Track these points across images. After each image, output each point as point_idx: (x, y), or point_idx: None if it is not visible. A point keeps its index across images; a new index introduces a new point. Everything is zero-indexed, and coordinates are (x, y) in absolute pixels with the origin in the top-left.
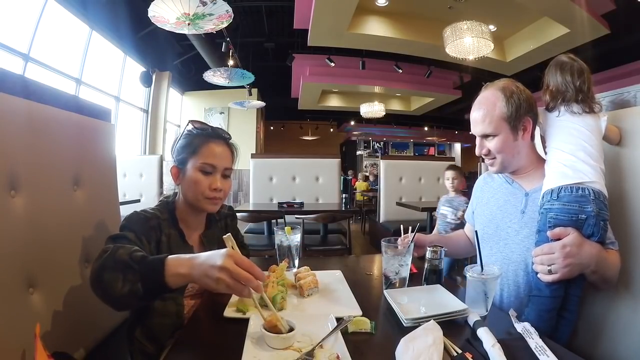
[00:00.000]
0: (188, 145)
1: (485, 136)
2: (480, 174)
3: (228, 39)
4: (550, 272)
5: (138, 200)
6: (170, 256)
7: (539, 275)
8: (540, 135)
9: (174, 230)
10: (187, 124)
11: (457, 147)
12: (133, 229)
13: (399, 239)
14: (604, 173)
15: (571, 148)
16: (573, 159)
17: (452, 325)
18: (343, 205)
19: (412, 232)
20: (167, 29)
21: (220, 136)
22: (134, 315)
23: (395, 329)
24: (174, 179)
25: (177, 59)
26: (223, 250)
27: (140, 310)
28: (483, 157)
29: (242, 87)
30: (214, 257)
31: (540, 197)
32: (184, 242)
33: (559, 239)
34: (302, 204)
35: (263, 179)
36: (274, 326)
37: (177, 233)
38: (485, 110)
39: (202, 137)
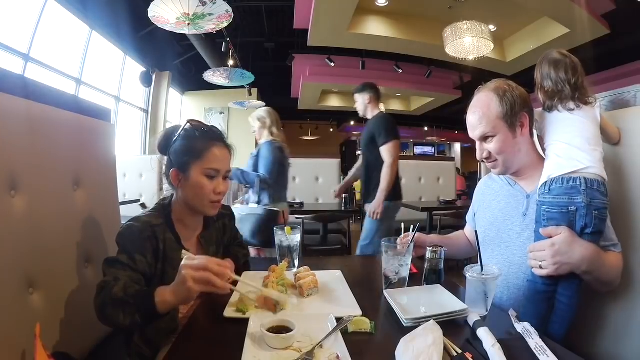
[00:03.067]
0: (191, 149)
1: (484, 138)
2: (480, 175)
3: (228, 39)
4: (541, 267)
5: (138, 200)
6: (158, 288)
7: (532, 270)
8: (538, 135)
9: (170, 234)
10: (185, 124)
11: (457, 147)
12: (126, 249)
13: (399, 238)
14: (602, 155)
15: (567, 137)
16: (567, 147)
17: (452, 325)
18: (343, 205)
19: (412, 231)
20: (167, 29)
21: (220, 138)
22: None
23: (395, 329)
24: (173, 182)
25: (177, 59)
26: (180, 266)
27: None
28: (484, 161)
29: (242, 87)
30: (178, 275)
31: (537, 189)
32: (179, 246)
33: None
34: (302, 204)
35: None
36: (265, 302)
37: (172, 237)
38: (481, 112)
39: (205, 140)
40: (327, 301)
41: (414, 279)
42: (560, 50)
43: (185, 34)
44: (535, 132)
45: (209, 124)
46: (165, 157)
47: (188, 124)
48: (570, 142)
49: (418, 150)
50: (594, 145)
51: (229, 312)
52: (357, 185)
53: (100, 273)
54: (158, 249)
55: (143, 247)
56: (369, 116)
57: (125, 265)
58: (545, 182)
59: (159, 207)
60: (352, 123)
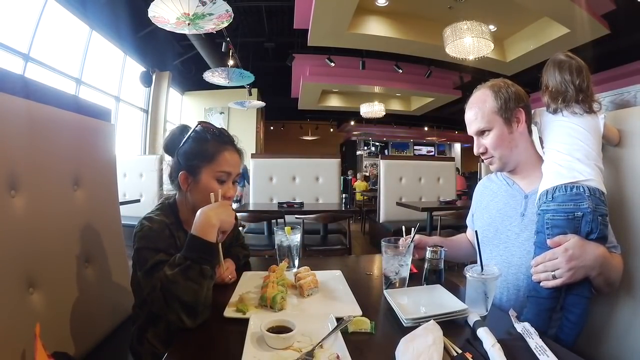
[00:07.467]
0: (202, 152)
1: (480, 133)
2: (480, 175)
3: (228, 39)
4: (554, 277)
5: (138, 200)
6: (190, 232)
7: (542, 283)
8: (539, 136)
9: (181, 232)
10: (196, 125)
11: (457, 147)
12: (159, 248)
13: (400, 240)
14: (601, 171)
15: (567, 148)
16: (569, 158)
17: (452, 325)
18: (343, 205)
19: (413, 232)
20: (167, 29)
21: (232, 142)
22: (144, 316)
23: (395, 329)
24: (181, 185)
25: (177, 59)
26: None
27: (151, 312)
28: (481, 156)
29: (242, 87)
30: (211, 209)
31: (537, 199)
32: None
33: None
34: (302, 204)
35: (263, 179)
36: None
37: (183, 235)
38: (477, 108)
39: (217, 144)
40: (327, 301)
41: (414, 279)
42: (567, 52)
43: (185, 34)
44: (535, 131)
45: (219, 127)
46: (171, 158)
47: (199, 126)
48: (572, 154)
49: (418, 150)
50: (593, 160)
51: (229, 312)
52: (358, 185)
53: (100, 273)
54: (176, 247)
55: (169, 244)
56: None
57: (166, 262)
58: (547, 190)
59: (165, 206)
60: (352, 123)
